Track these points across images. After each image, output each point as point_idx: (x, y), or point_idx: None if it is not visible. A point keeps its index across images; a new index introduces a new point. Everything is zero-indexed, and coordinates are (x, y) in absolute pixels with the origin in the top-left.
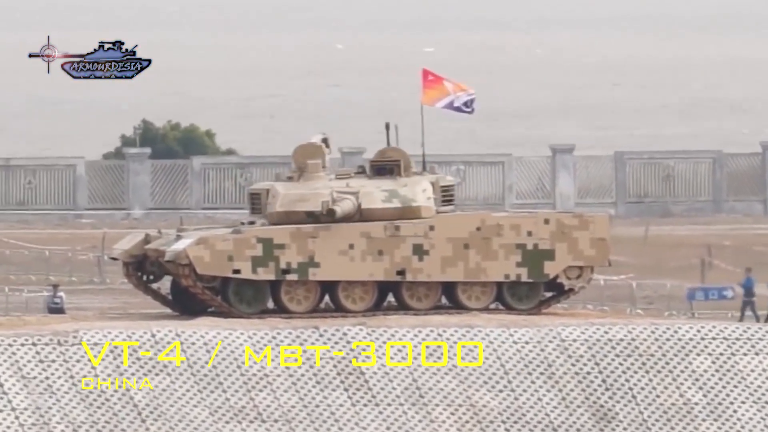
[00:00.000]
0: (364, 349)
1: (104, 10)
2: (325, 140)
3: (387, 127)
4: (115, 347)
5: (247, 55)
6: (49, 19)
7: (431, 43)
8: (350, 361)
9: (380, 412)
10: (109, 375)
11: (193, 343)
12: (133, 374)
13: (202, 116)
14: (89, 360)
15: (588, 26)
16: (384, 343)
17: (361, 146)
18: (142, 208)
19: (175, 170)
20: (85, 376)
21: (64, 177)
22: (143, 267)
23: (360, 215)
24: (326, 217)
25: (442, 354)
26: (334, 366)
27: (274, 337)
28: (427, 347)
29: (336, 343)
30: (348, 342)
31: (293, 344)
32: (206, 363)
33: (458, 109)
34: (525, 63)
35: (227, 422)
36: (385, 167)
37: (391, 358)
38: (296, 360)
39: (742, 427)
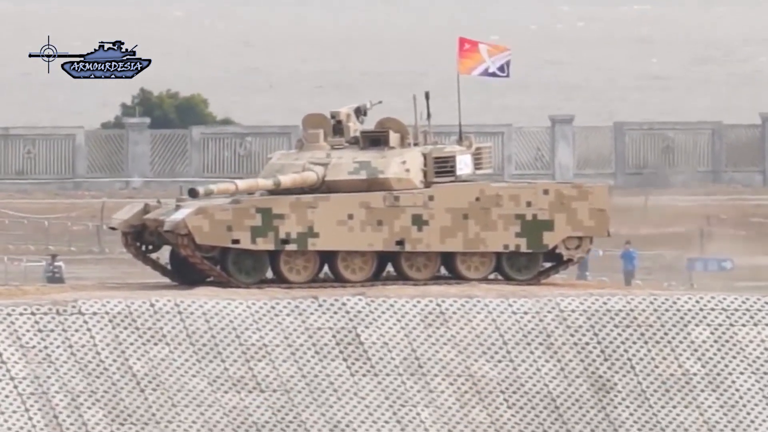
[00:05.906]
0: (363, 319)
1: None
2: (358, 109)
3: (427, 96)
4: (114, 317)
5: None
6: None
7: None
8: (349, 332)
9: (379, 383)
10: (108, 344)
11: (192, 313)
12: (131, 344)
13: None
14: (88, 329)
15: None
16: (383, 313)
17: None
18: (142, 178)
19: (174, 140)
20: (84, 345)
21: (64, 146)
22: (142, 237)
23: (325, 187)
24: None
25: (441, 324)
26: (333, 336)
27: (272, 307)
28: (426, 317)
29: (335, 313)
30: (347, 312)
31: (292, 314)
32: (205, 333)
33: (494, 75)
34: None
35: (226, 392)
36: (377, 138)
37: (390, 328)
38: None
39: (741, 397)
